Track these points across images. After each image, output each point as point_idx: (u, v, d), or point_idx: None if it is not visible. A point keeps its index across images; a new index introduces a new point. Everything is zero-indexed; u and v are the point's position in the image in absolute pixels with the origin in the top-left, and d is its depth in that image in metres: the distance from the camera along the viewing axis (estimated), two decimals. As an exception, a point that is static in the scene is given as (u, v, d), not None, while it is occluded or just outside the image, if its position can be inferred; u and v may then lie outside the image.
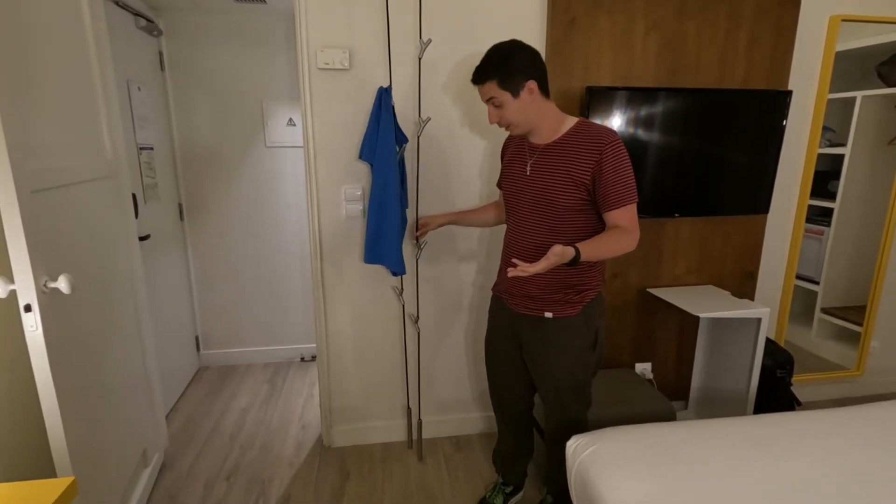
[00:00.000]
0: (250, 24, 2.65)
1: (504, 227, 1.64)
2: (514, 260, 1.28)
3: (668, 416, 1.96)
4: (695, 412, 2.42)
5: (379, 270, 2.03)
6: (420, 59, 1.85)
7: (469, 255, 2.11)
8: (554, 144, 1.42)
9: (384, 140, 1.76)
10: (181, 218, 2.77)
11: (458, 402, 2.27)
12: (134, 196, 2.07)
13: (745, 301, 2.09)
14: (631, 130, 1.93)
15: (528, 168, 1.46)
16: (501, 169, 1.62)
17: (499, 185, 1.72)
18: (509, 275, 1.25)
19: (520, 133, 1.47)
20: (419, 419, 2.19)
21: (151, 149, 2.38)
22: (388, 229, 1.79)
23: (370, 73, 1.86)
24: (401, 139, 1.84)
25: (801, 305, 2.69)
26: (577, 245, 1.28)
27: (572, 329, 1.48)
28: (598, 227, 1.42)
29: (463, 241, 2.09)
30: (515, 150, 1.54)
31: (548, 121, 1.42)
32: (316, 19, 1.80)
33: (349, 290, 2.06)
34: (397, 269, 1.84)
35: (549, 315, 1.47)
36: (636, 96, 1.92)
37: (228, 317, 2.98)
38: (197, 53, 2.64)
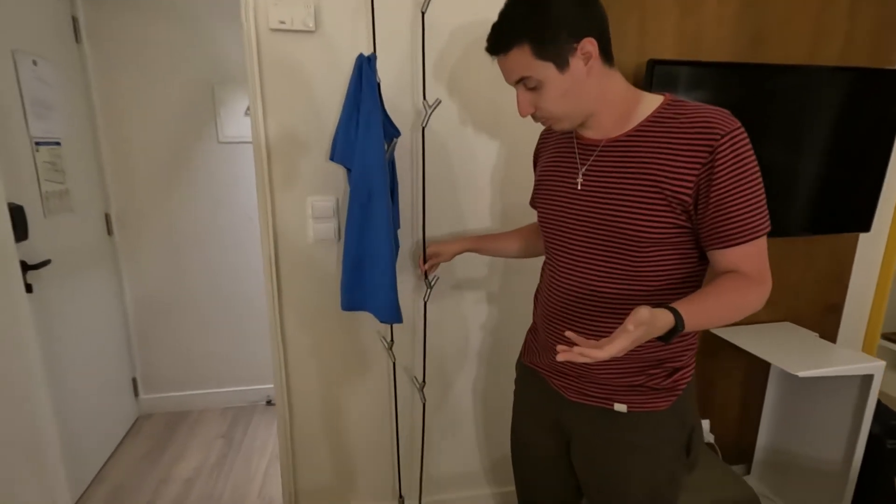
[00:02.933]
0: (195, -15, 2.07)
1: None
2: (569, 334, 0.75)
3: (752, 508, 1.45)
4: (760, 479, 1.92)
5: (360, 315, 1.48)
6: (423, 12, 1.30)
7: (473, 286, 1.57)
8: (626, 139, 0.87)
9: (367, 133, 1.20)
10: (109, 232, 2.18)
11: (463, 477, 1.74)
12: (19, 209, 1.50)
13: (848, 351, 1.59)
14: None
15: (580, 178, 0.92)
16: (535, 181, 1.08)
17: (532, 203, 1.18)
18: (559, 358, 0.71)
19: (567, 128, 0.92)
20: (415, 504, 1.65)
21: (58, 144, 1.79)
22: (376, 260, 1.24)
23: (346, 36, 1.31)
24: (390, 132, 1.30)
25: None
26: (675, 307, 0.74)
27: (659, 430, 0.94)
28: (696, 270, 0.90)
29: (464, 268, 1.55)
30: (557, 152, 1.00)
31: (613, 103, 0.88)
32: (265, -44, 1.24)
33: (320, 341, 1.51)
34: (390, 317, 1.28)
35: (622, 408, 0.94)
36: (712, 74, 1.40)
37: (175, 352, 2.40)
38: (127, 21, 2.05)
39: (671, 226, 0.83)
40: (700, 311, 0.77)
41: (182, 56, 2.12)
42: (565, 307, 0.95)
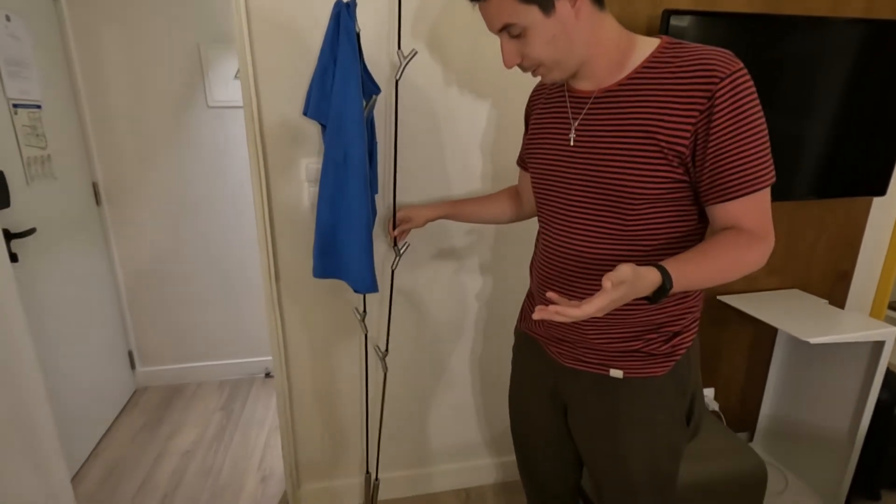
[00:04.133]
0: (177, -64, 1.94)
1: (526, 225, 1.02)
2: (550, 294, 0.70)
3: (759, 476, 1.43)
4: (763, 446, 1.92)
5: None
6: None
7: (467, 254, 1.51)
8: (619, 88, 0.80)
9: (343, 87, 1.11)
10: (97, 202, 2.10)
11: (465, 448, 1.72)
12: (0, 175, 1.42)
13: (860, 317, 1.56)
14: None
15: (573, 133, 0.85)
16: (525, 138, 1.01)
17: (520, 162, 1.11)
18: (535, 316, 0.67)
19: (558, 79, 0.84)
20: (376, 480, 1.63)
21: (38, 107, 1.70)
22: (351, 226, 1.16)
23: (339, -15, 1.22)
24: (370, 88, 1.21)
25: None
26: (664, 265, 0.69)
27: (657, 397, 0.89)
28: (696, 229, 0.84)
29: (459, 235, 1.49)
30: (548, 107, 0.93)
31: (606, 49, 0.80)
32: None
33: (315, 310, 1.46)
34: (365, 286, 1.19)
35: (617, 374, 0.89)
36: (731, 25, 1.31)
37: (171, 325, 2.36)
38: (106, -22, 1.93)
39: (668, 180, 0.78)
40: (692, 270, 0.71)
41: (167, 13, 2.00)
42: (561, 271, 0.90)
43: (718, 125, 0.72)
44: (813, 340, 1.38)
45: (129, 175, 2.13)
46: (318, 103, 1.17)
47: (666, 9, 1.26)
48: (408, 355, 1.56)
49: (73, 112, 1.97)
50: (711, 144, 0.73)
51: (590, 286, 0.87)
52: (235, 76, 2.11)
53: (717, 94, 0.71)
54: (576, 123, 0.85)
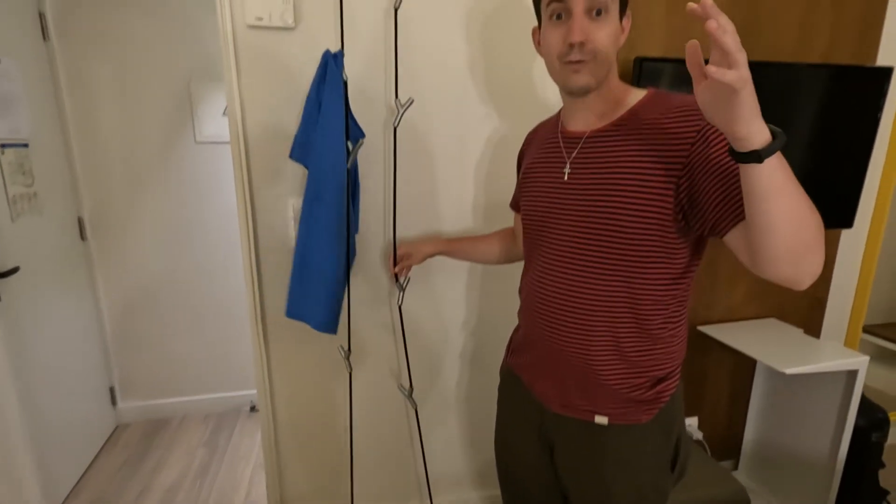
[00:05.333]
0: (169, -22, 2.00)
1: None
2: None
3: (741, 503, 1.45)
4: (748, 473, 1.94)
5: (355, 321, 1.45)
6: (396, 8, 1.26)
7: (452, 286, 1.54)
8: (612, 129, 0.85)
9: (324, 133, 1.16)
10: (82, 237, 2.10)
11: (452, 481, 1.72)
12: (-17, 215, 1.43)
13: (834, 346, 1.61)
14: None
15: (567, 168, 0.89)
16: (518, 181, 1.06)
17: (514, 205, 1.16)
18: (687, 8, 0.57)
19: (590, 82, 0.83)
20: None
21: (25, 146, 1.72)
22: (316, 266, 1.19)
23: (327, 33, 1.27)
24: (354, 133, 1.25)
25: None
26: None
27: (642, 441, 0.90)
28: (684, 274, 0.85)
29: (443, 269, 1.52)
30: (542, 149, 0.98)
31: (612, 83, 0.86)
32: (241, -51, 1.19)
33: (303, 345, 1.47)
34: (321, 326, 1.22)
35: (602, 421, 0.90)
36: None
37: (154, 359, 2.33)
38: (98, 16, 1.97)
39: (658, 215, 0.79)
40: (788, 170, 0.63)
41: (156, 51, 2.04)
42: (550, 306, 0.92)
43: (716, 152, 0.73)
44: (789, 371, 1.42)
45: (116, 210, 2.14)
46: (302, 147, 1.21)
47: (637, 56, 1.33)
48: (393, 387, 1.57)
49: (62, 148, 1.98)
50: (714, 169, 0.73)
51: (579, 322, 0.88)
52: (224, 113, 2.15)
53: (706, 128, 0.74)
54: (571, 158, 0.89)
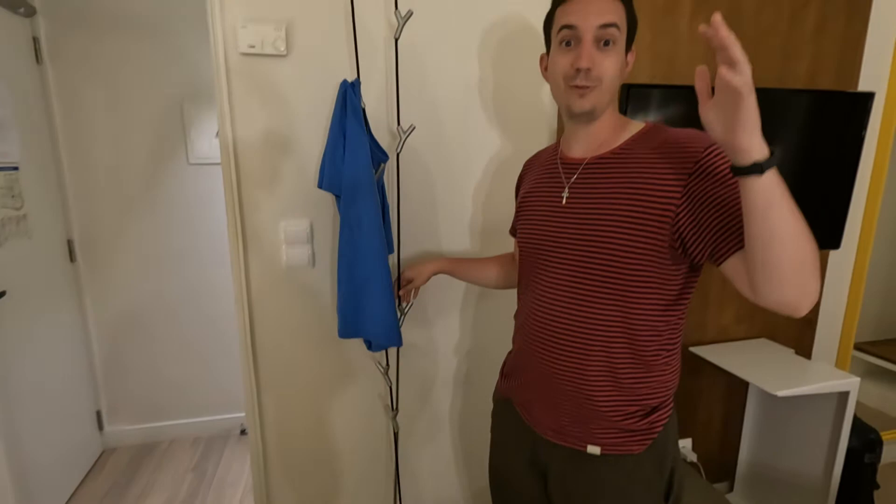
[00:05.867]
0: (165, 2, 2.02)
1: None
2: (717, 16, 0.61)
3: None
4: (743, 495, 1.92)
5: (337, 342, 1.44)
6: (396, 38, 1.28)
7: (447, 309, 1.54)
8: (611, 156, 0.87)
9: (353, 157, 1.17)
10: (72, 259, 2.09)
11: (447, 506, 1.69)
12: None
13: (825, 367, 1.61)
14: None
15: (566, 193, 0.90)
16: (516, 207, 1.07)
17: (513, 231, 1.17)
18: (713, 21, 0.61)
19: (595, 105, 0.85)
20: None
21: (15, 168, 1.71)
22: (372, 286, 1.21)
23: (319, 60, 1.29)
24: (378, 156, 1.27)
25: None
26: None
27: (635, 474, 0.90)
28: (678, 302, 0.86)
29: (440, 289, 1.52)
30: (540, 175, 1.00)
31: (612, 113, 0.90)
32: (234, -22, 1.21)
33: (295, 369, 1.45)
34: (389, 341, 1.26)
35: (595, 451, 0.90)
36: (685, 96, 1.41)
37: (143, 382, 2.30)
38: (92, 40, 1.99)
39: (656, 241, 0.80)
40: (786, 188, 0.66)
41: (150, 75, 2.06)
42: (547, 330, 0.91)
43: (713, 183, 0.76)
44: (780, 393, 1.42)
45: (107, 231, 2.13)
46: (332, 176, 1.23)
47: (625, 83, 1.35)
48: (386, 412, 1.55)
49: (53, 170, 1.98)
50: (712, 200, 0.75)
51: (575, 347, 0.88)
52: (217, 135, 2.15)
53: (703, 159, 0.77)
54: (569, 185, 0.90)
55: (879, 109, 1.75)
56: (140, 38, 2.03)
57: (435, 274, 1.30)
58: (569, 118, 0.91)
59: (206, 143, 2.16)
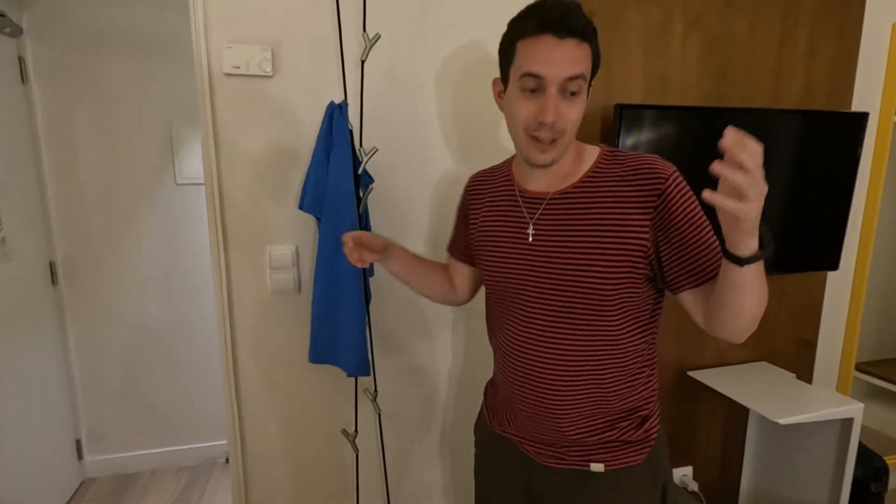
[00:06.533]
0: (153, 21, 2.01)
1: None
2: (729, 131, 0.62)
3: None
4: (746, 525, 1.85)
5: (324, 370, 1.38)
6: (363, 61, 1.26)
7: (438, 330, 1.49)
8: (573, 190, 0.84)
9: (338, 179, 1.15)
10: (54, 281, 2.03)
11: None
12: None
13: (827, 392, 1.57)
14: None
15: (531, 230, 0.87)
16: (463, 231, 1.04)
17: (454, 250, 1.10)
18: (727, 141, 0.62)
19: (556, 158, 0.82)
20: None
21: (-5, 190, 1.67)
22: (348, 311, 1.18)
23: (305, 81, 1.26)
24: (365, 180, 1.24)
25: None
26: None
27: (634, 487, 0.89)
28: (654, 313, 0.89)
29: (430, 309, 1.47)
30: (497, 205, 0.94)
31: (570, 150, 0.86)
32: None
33: (279, 397, 1.39)
34: (358, 369, 1.21)
35: (599, 468, 0.88)
36: (678, 117, 1.39)
37: (125, 409, 2.23)
38: (78, 60, 1.97)
39: (630, 272, 0.81)
40: (762, 267, 0.69)
41: (138, 94, 2.04)
42: (534, 373, 0.89)
43: (676, 218, 0.78)
44: (783, 421, 1.37)
45: (92, 253, 2.08)
46: (314, 198, 1.19)
47: (618, 103, 1.34)
48: (374, 436, 1.49)
49: (36, 190, 1.94)
50: (674, 236, 0.79)
51: (565, 382, 0.86)
52: (206, 154, 2.12)
53: (667, 193, 0.78)
54: (533, 220, 0.87)
55: (873, 130, 1.75)
56: (128, 57, 2.01)
57: (385, 248, 1.02)
58: (525, 164, 0.86)
59: (195, 164, 2.13)
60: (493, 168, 1.01)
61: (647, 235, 0.79)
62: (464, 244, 1.04)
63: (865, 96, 1.71)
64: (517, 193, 0.91)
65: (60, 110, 1.97)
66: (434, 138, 1.36)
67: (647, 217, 0.78)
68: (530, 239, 0.87)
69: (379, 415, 1.43)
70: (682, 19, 1.45)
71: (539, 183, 0.88)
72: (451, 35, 1.32)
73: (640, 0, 1.41)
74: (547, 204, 0.86)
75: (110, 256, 2.10)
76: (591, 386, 0.86)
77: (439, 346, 1.49)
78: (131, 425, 2.24)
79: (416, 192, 1.38)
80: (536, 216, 0.87)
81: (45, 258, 1.98)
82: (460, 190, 1.38)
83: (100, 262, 2.09)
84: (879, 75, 1.73)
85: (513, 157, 0.96)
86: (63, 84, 1.96)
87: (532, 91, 0.78)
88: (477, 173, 1.04)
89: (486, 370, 1.44)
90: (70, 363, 2.11)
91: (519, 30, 0.79)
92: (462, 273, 1.10)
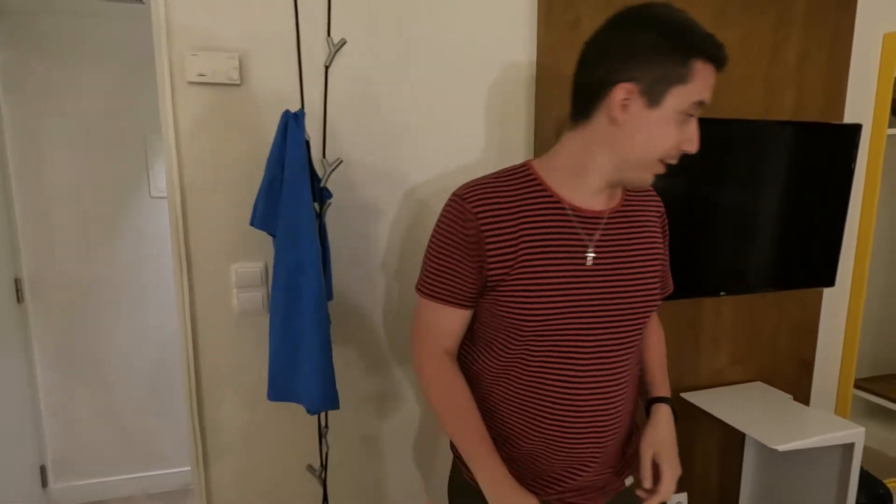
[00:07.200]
0: (127, 31, 1.95)
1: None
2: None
3: None
4: (745, 554, 1.77)
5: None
6: (327, 66, 1.20)
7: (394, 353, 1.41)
8: (623, 207, 0.86)
9: (293, 194, 1.06)
10: (19, 299, 1.94)
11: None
12: None
13: (826, 416, 1.50)
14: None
15: (591, 252, 0.79)
16: (467, 274, 0.79)
17: (454, 298, 0.83)
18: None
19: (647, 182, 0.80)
20: None
21: (-47, 204, 1.59)
22: (310, 339, 1.07)
23: (276, 90, 1.20)
24: (324, 194, 1.17)
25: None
26: (661, 396, 0.93)
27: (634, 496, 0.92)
28: None
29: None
30: (535, 227, 0.77)
31: None
32: (183, 2, 1.12)
33: (248, 424, 1.31)
34: (325, 403, 1.08)
35: (629, 482, 0.95)
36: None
37: (93, 433, 2.12)
38: (49, 70, 1.90)
39: (661, 282, 0.91)
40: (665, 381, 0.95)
41: (111, 106, 1.97)
42: (598, 404, 0.81)
43: (665, 234, 0.93)
44: (781, 448, 1.30)
45: (60, 269, 1.99)
46: (266, 213, 1.10)
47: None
48: (349, 468, 1.40)
49: (1, 204, 1.85)
50: (664, 251, 0.93)
51: (622, 403, 0.85)
52: (182, 166, 2.05)
53: (663, 212, 0.93)
54: (594, 241, 0.80)
55: (866, 142, 1.71)
56: (100, 68, 1.95)
57: None
58: (614, 184, 0.79)
59: (171, 177, 2.05)
60: (495, 184, 0.79)
61: (663, 247, 0.90)
62: (476, 288, 0.81)
63: (857, 108, 1.68)
64: (569, 213, 0.79)
65: (29, 121, 1.90)
66: (407, 150, 1.30)
67: (661, 230, 0.91)
68: (589, 262, 0.79)
69: (326, 453, 1.33)
70: (669, 28, 1.41)
71: (598, 201, 0.81)
72: (428, 41, 1.27)
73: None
74: (607, 222, 0.81)
75: (80, 273, 2.01)
76: (627, 401, 0.88)
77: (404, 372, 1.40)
78: (100, 450, 2.14)
79: (386, 210, 1.31)
80: (596, 237, 0.80)
81: (10, 275, 1.89)
82: (434, 209, 1.33)
83: (68, 278, 2.00)
84: (871, 87, 1.69)
85: (526, 170, 0.80)
86: (32, 94, 1.89)
87: (689, 117, 0.73)
88: (477, 193, 0.78)
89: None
90: (36, 385, 2.01)
91: (696, 48, 0.70)
92: (465, 324, 0.87)
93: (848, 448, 1.42)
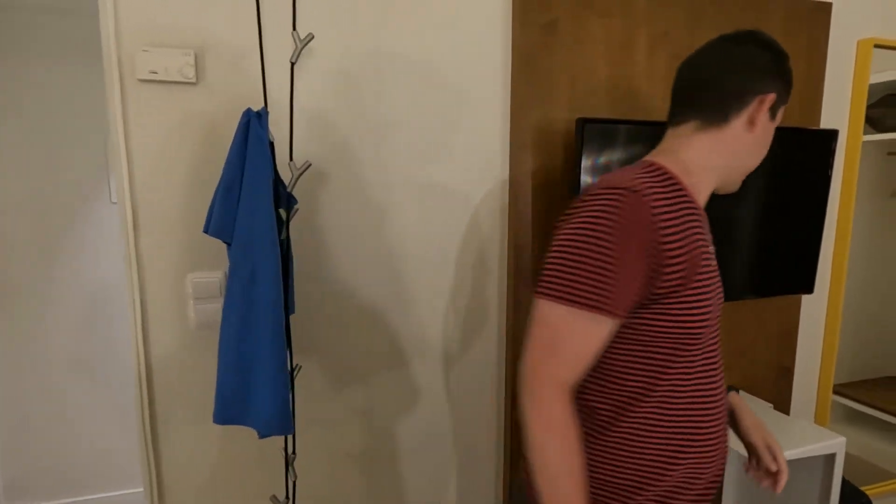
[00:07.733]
0: (85, 27, 1.86)
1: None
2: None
3: None
4: (727, 567, 1.73)
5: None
6: (293, 63, 1.14)
7: (365, 371, 1.35)
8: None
9: (251, 200, 0.99)
10: (-34, 311, 1.82)
11: None
12: None
13: (806, 426, 1.47)
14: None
15: (711, 247, 0.81)
16: (635, 279, 0.68)
17: (619, 310, 0.69)
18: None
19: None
20: None
21: None
22: (263, 357, 0.99)
23: (237, 89, 1.13)
24: (290, 200, 1.10)
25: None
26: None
27: None
28: None
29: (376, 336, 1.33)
30: (694, 229, 0.72)
31: None
32: (133, -4, 1.05)
33: (205, 446, 1.22)
34: (281, 427, 1.00)
35: None
36: (641, 133, 1.30)
37: (53, 451, 2.00)
38: (5, 69, 1.80)
39: None
40: None
41: (68, 106, 1.87)
42: (723, 397, 0.82)
43: None
44: (763, 460, 1.26)
45: (15, 278, 1.88)
46: (222, 220, 1.02)
47: (580, 117, 1.24)
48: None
49: (-53, 211, 1.74)
50: None
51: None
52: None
53: None
54: (710, 240, 0.81)
55: (842, 149, 1.70)
56: (58, 65, 1.85)
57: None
58: (718, 187, 0.85)
59: (133, 181, 1.96)
60: (650, 180, 0.72)
61: None
62: (637, 298, 0.69)
63: (833, 115, 1.67)
64: (702, 214, 0.79)
65: (-21, 122, 1.79)
66: (380, 152, 1.24)
67: None
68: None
69: (294, 482, 1.26)
70: (647, 33, 1.38)
71: (701, 199, 0.81)
72: (402, 41, 1.21)
73: (604, 13, 1.33)
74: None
75: (36, 282, 1.90)
76: None
77: (375, 391, 1.34)
78: (60, 470, 2.02)
79: (357, 215, 1.25)
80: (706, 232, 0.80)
81: (-44, 285, 1.78)
82: (409, 213, 1.28)
83: (24, 287, 1.89)
84: (846, 93, 1.69)
85: (662, 170, 0.75)
86: (-17, 94, 1.79)
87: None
88: (650, 187, 0.70)
89: (436, 415, 1.29)
90: (-15, 402, 1.89)
91: (791, 81, 0.82)
92: (606, 340, 0.73)
93: (829, 458, 1.39)
